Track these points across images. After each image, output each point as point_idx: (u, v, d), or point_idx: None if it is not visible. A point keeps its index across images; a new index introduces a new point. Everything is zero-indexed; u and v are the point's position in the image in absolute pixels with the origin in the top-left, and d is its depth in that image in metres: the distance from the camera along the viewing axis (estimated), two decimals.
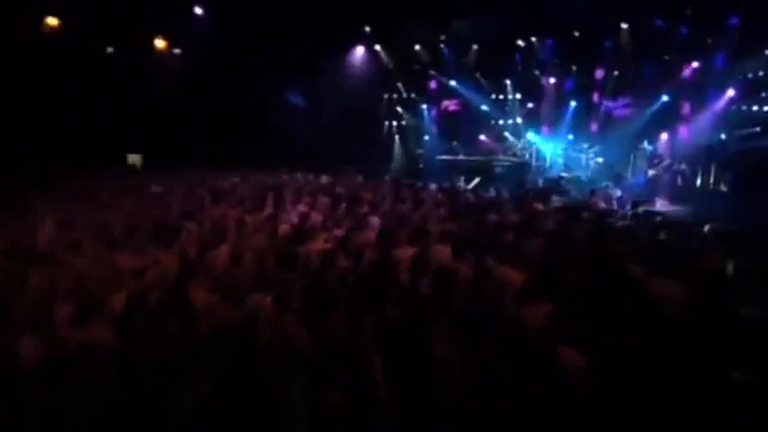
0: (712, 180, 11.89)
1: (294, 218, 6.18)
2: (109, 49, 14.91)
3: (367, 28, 15.63)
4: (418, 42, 16.05)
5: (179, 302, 3.54)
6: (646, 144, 12.35)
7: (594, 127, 14.52)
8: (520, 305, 3.32)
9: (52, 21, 12.35)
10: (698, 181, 12.08)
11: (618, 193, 9.78)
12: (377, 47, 16.38)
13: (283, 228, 5.42)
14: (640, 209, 8.16)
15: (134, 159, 16.37)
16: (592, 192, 9.00)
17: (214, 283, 3.96)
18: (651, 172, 11.25)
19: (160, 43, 15.03)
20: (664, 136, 12.74)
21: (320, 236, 5.26)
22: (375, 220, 5.98)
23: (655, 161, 11.46)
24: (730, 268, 3.63)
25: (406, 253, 4.54)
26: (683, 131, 12.62)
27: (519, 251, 4.43)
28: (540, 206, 7.25)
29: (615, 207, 8.72)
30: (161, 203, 7.54)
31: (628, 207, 8.34)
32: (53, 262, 4.51)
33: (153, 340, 3.09)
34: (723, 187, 11.63)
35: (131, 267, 4.28)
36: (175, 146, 15.25)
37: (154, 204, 7.56)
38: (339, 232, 5.30)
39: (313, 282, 3.98)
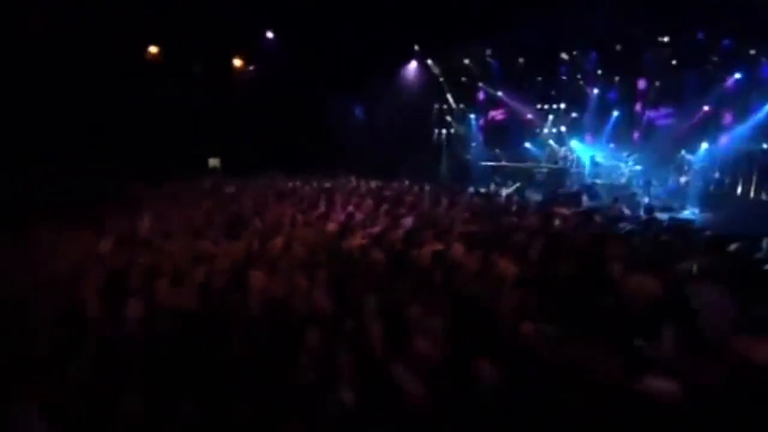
0: (753, 188, 11.58)
1: (340, 217, 6.92)
2: (196, 68, 16.44)
3: (416, 47, 16.23)
4: (466, 56, 16.48)
5: (241, 280, 4.36)
6: (684, 153, 12.18)
7: (636, 135, 14.38)
8: (512, 294, 3.86)
9: (153, 48, 14.04)
10: (738, 189, 11.79)
11: (645, 199, 9.81)
12: (429, 61, 16.96)
13: (330, 225, 6.16)
14: (662, 215, 8.23)
15: (214, 162, 17.86)
16: (615, 199, 9.11)
17: (269, 267, 4.74)
18: (683, 180, 11.11)
19: (237, 61, 16.38)
20: (704, 145, 12.48)
21: (360, 233, 5.94)
22: (409, 221, 6.58)
23: (686, 168, 11.31)
24: (695, 268, 3.95)
25: (428, 249, 5.15)
26: (724, 140, 12.31)
27: (524, 250, 4.91)
28: (564, 210, 7.56)
29: (640, 213, 8.83)
30: (234, 202, 8.51)
31: (644, 213, 8.43)
32: (151, 247, 5.50)
33: (221, 307, 3.92)
34: (764, 196, 11.32)
35: (208, 252, 5.16)
36: (249, 151, 16.50)
37: (228, 202, 8.56)
38: (375, 230, 5.96)
39: (349, 269, 4.69)
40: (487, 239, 5.39)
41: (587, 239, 5.02)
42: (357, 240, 5.71)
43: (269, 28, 15.26)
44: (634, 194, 10.46)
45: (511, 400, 2.76)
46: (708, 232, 5.57)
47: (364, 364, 3.03)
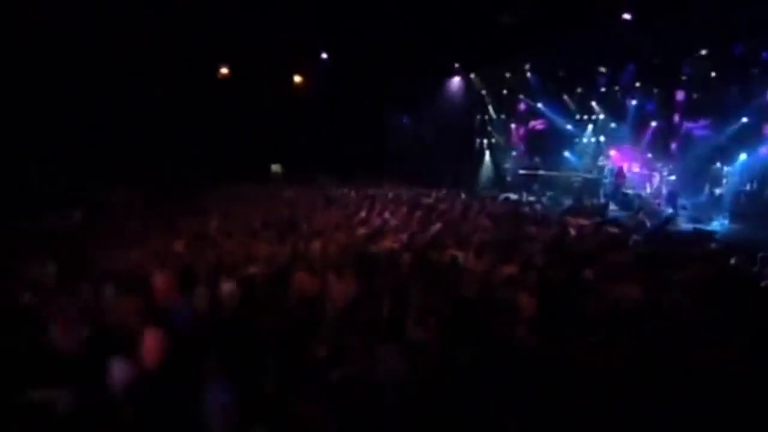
0: None
1: (377, 222, 7.44)
2: (261, 85, 17.57)
3: (456, 65, 16.51)
4: (507, 71, 16.58)
5: (285, 277, 4.97)
6: (719, 164, 11.76)
7: (673, 146, 13.95)
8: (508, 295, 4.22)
9: (223, 69, 15.26)
10: None
11: (669, 210, 9.61)
12: (471, 75, 17.18)
13: (363, 230, 6.69)
14: (687, 226, 8.11)
15: (276, 168, 18.93)
16: (638, 209, 9.00)
17: (309, 266, 5.31)
18: (717, 191, 10.71)
19: (297, 78, 17.33)
20: (742, 157, 11.98)
21: (390, 237, 6.43)
22: (436, 228, 7.01)
23: (720, 180, 10.89)
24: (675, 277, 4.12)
25: (447, 254, 5.54)
26: (763, 151, 11.76)
27: (531, 257, 5.22)
28: (582, 221, 7.69)
29: (664, 223, 8.71)
30: (288, 206, 9.24)
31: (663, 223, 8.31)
32: (216, 244, 6.26)
33: (266, 299, 4.51)
34: None
35: (262, 253, 5.82)
36: (307, 158, 17.39)
37: (284, 207, 9.30)
38: (404, 235, 6.43)
39: (374, 268, 5.19)
40: (500, 246, 5.70)
41: (581, 248, 5.24)
42: (387, 243, 6.22)
43: (324, 50, 16.07)
44: (658, 205, 10.25)
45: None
46: (713, 245, 5.59)
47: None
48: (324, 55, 15.93)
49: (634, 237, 5.77)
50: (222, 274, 4.98)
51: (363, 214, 8.31)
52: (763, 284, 4.21)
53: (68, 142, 12.07)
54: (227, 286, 4.73)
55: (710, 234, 7.83)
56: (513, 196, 13.28)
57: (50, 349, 3.32)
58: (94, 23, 11.86)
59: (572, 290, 4.13)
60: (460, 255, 5.36)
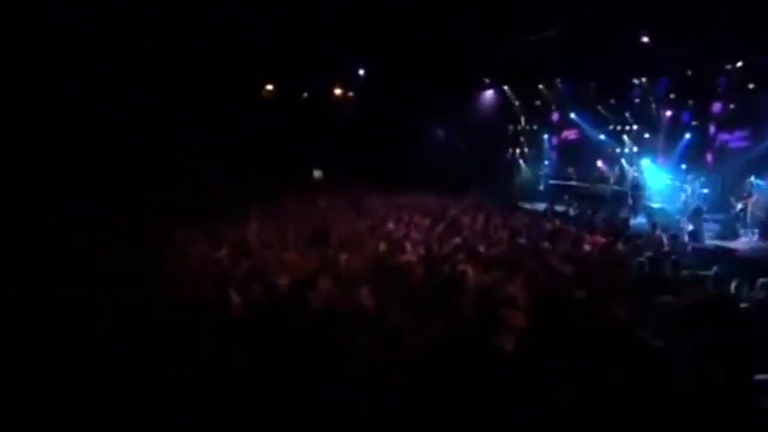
0: None
1: (399, 233, 7.85)
2: (304, 95, 18.43)
3: (487, 80, 16.66)
4: (540, 83, 16.58)
5: (311, 286, 5.49)
6: (753, 178, 11.37)
7: (709, 158, 13.56)
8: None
9: (269, 86, 16.22)
10: None
11: (690, 227, 9.42)
12: (505, 87, 17.28)
13: (384, 243, 7.10)
14: (710, 242, 7.98)
15: (318, 174, 19.73)
16: (653, 225, 8.89)
17: (335, 276, 5.80)
18: (739, 206, 10.38)
19: (338, 90, 18.07)
20: None
21: (410, 251, 6.82)
22: (455, 242, 7.33)
23: (744, 195, 10.54)
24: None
25: (457, 269, 5.88)
26: None
27: (535, 275, 5.48)
28: (598, 237, 7.76)
29: (685, 240, 8.62)
30: (322, 216, 9.76)
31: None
32: (254, 254, 6.88)
33: (295, 306, 5.04)
34: None
35: (293, 262, 6.38)
36: (346, 165, 18.02)
37: (317, 216, 9.85)
38: (421, 250, 6.81)
39: (392, 281, 5.62)
40: (508, 262, 5.98)
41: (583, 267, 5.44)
42: (407, 256, 6.63)
43: (362, 63, 16.71)
44: (678, 221, 10.05)
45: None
46: (715, 268, 5.63)
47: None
48: (361, 72, 16.53)
49: (640, 258, 5.88)
50: (255, 282, 5.59)
51: (390, 225, 8.73)
52: (743, 307, 4.31)
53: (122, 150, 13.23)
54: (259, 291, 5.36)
55: (731, 252, 7.72)
56: (542, 207, 13.32)
57: None
58: (146, 46, 12.96)
59: (564, 308, 4.40)
60: (469, 269, 5.71)
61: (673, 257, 6.23)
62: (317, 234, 8.02)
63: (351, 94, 18.52)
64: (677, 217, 10.45)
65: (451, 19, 13.67)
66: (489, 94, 17.55)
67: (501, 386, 3.52)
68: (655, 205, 11.71)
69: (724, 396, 3.34)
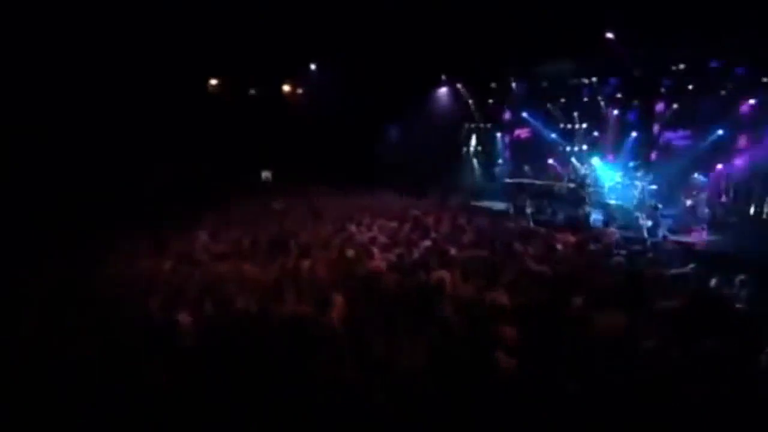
0: (765, 210, 11.23)
1: (365, 238, 7.35)
2: (251, 92, 17.44)
3: (443, 77, 16.54)
4: (492, 81, 16.63)
5: (274, 299, 4.88)
6: (697, 174, 11.90)
7: (653, 156, 14.08)
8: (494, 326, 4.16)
9: (213, 81, 15.14)
10: (751, 211, 11.44)
11: (649, 223, 9.67)
12: (458, 85, 17.20)
13: (352, 249, 6.59)
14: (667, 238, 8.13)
15: (267, 174, 18.80)
16: (606, 223, 9.01)
17: (298, 287, 5.22)
18: (689, 203, 10.81)
19: (287, 86, 17.25)
20: (719, 167, 12.15)
21: (378, 257, 6.34)
22: (424, 246, 6.93)
23: (694, 192, 11.01)
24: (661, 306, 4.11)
25: (435, 276, 5.46)
26: (738, 163, 11.93)
27: (517, 279, 5.17)
28: (568, 237, 7.66)
29: (644, 236, 8.76)
30: (277, 222, 9.07)
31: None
32: (205, 266, 6.14)
33: (256, 327, 4.41)
34: None
35: (250, 274, 5.72)
36: (296, 165, 17.28)
37: (272, 221, 9.14)
38: (392, 256, 6.34)
39: (363, 292, 5.11)
40: (484, 267, 5.64)
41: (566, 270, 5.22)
42: (375, 263, 6.13)
43: (313, 59, 16.02)
44: (637, 217, 10.30)
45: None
46: (692, 265, 5.62)
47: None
48: (312, 66, 15.83)
49: (616, 258, 5.77)
50: (207, 299, 4.92)
51: (351, 229, 8.21)
52: (739, 308, 4.23)
53: (55, 151, 11.86)
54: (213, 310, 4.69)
55: (690, 247, 7.88)
56: (500, 206, 13.27)
57: None
58: (78, 31, 11.67)
59: (557, 319, 4.09)
60: (446, 276, 5.31)
61: (649, 255, 6.18)
62: (275, 241, 7.35)
63: (301, 91, 17.77)
64: (636, 213, 10.65)
65: (406, 16, 13.33)
66: (444, 92, 17.40)
67: (506, 411, 3.14)
68: (612, 202, 11.93)
69: (734, 399, 3.16)
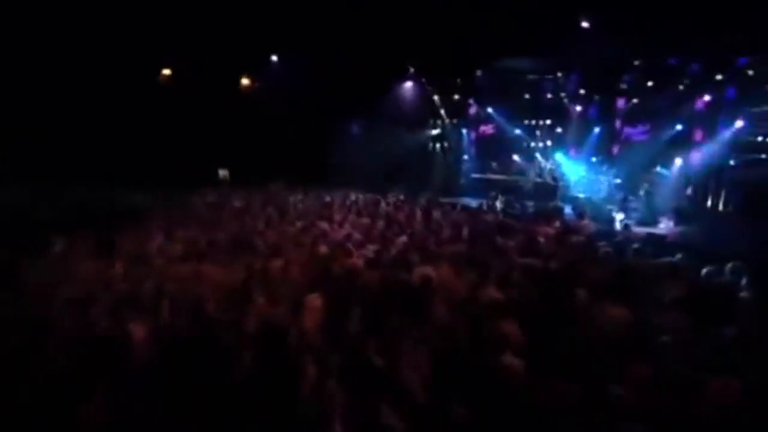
0: (721, 202, 11.60)
1: (338, 235, 6.85)
2: (206, 88, 16.39)
3: (411, 69, 16.24)
4: (457, 76, 16.46)
5: (241, 306, 4.31)
6: (659, 168, 12.16)
7: (615, 150, 14.35)
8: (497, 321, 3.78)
9: (165, 71, 14.07)
10: (708, 203, 11.80)
11: (621, 215, 9.74)
12: (423, 80, 16.92)
13: (325, 247, 6.08)
14: (638, 230, 8.14)
15: (224, 173, 17.83)
16: (580, 215, 9.02)
17: (268, 289, 4.65)
18: (641, 193, 10.93)
19: (245, 80, 16.36)
20: (678, 161, 12.48)
21: (355, 254, 5.86)
22: (401, 242, 6.52)
23: (660, 183, 11.18)
24: (667, 296, 3.90)
25: (418, 273, 5.03)
26: (695, 157, 12.31)
27: (506, 273, 4.84)
28: (547, 229, 7.49)
29: (615, 228, 8.76)
30: (239, 219, 8.38)
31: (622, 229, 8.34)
32: (158, 270, 5.43)
33: (220, 333, 3.83)
34: (731, 209, 11.33)
35: (211, 276, 5.08)
36: (254, 163, 16.43)
37: (233, 219, 8.44)
38: (369, 252, 5.88)
39: (342, 293, 4.61)
40: (472, 261, 5.29)
41: (560, 264, 4.95)
42: (352, 262, 5.65)
43: (274, 50, 15.26)
44: (610, 210, 10.37)
45: None
46: (679, 255, 5.52)
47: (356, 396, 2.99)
48: (273, 58, 15.07)
49: (604, 249, 5.58)
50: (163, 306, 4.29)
51: (321, 226, 7.69)
52: (743, 295, 4.09)
53: None
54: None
55: (663, 238, 7.91)
56: (469, 202, 13.08)
57: None
58: (20, 18, 10.49)
59: (560, 313, 3.77)
60: (431, 273, 4.91)
61: (635, 245, 6.04)
62: (238, 240, 6.70)
63: (261, 84, 16.92)
64: (608, 206, 10.71)
65: (371, 8, 12.88)
66: (409, 87, 17.04)
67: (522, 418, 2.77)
68: (581, 195, 11.99)
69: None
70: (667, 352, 3.20)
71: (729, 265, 4.73)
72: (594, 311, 3.73)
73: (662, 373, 2.95)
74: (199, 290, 4.57)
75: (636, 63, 12.80)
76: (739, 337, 3.10)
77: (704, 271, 4.83)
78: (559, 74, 14.67)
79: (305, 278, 4.93)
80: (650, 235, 8.37)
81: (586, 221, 8.50)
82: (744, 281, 4.40)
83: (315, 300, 4.28)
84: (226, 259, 5.75)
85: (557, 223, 8.16)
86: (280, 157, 16.53)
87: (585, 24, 10.57)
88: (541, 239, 6.59)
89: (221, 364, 3.32)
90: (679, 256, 5.49)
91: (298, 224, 7.69)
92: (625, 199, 10.26)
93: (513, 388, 2.88)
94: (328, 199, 11.38)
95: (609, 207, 10.52)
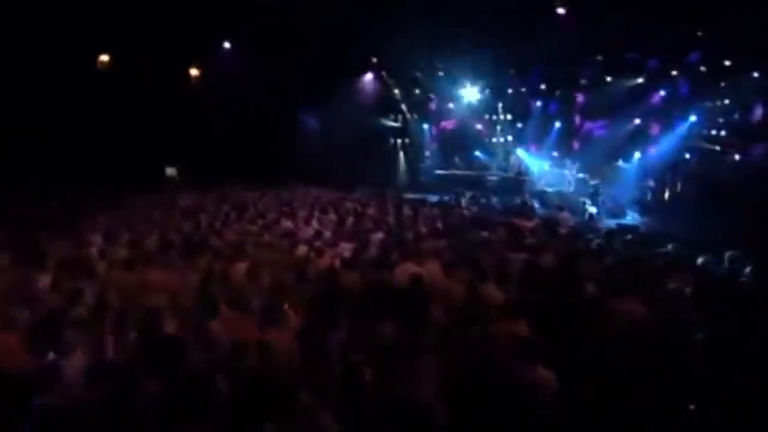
0: (678, 194, 11.92)
1: (306, 234, 6.24)
2: (151, 78, 15.10)
3: (374, 59, 15.75)
4: (418, 70, 16.12)
5: (203, 315, 3.62)
6: (620, 162, 12.34)
7: (576, 145, 14.50)
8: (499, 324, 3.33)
9: (104, 57, 12.72)
10: (666, 195, 12.08)
11: (593, 209, 9.74)
12: (383, 74, 16.46)
13: (296, 246, 5.48)
14: (609, 222, 8.10)
15: (171, 171, 16.62)
16: (560, 207, 8.93)
17: (230, 296, 3.97)
18: (592, 183, 11.02)
19: (194, 71, 15.19)
20: (637, 155, 12.74)
21: (328, 254, 5.29)
22: (377, 238, 6.02)
23: (621, 176, 11.34)
24: (687, 290, 3.64)
25: (404, 272, 4.52)
26: (653, 151, 12.60)
27: (503, 269, 4.40)
28: (527, 223, 7.22)
29: (591, 222, 8.69)
30: (191, 218, 7.55)
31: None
32: (100, 276, 4.62)
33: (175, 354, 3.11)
34: (686, 200, 11.63)
35: (162, 282, 4.34)
36: (206, 160, 15.36)
37: (184, 219, 7.59)
38: (344, 251, 5.33)
39: (318, 297, 4.02)
40: (460, 257, 4.83)
41: (559, 258, 4.62)
42: (326, 262, 5.07)
43: (225, 38, 14.24)
44: (582, 203, 10.36)
45: None
46: (670, 246, 5.36)
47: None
48: (226, 45, 14.03)
49: (596, 241, 5.33)
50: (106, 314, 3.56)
51: (286, 224, 7.04)
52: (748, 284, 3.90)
53: None
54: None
55: (635, 228, 7.85)
56: (433, 198, 12.72)
57: None
58: None
59: (572, 311, 3.37)
60: (419, 270, 4.42)
61: (627, 236, 5.84)
62: (191, 241, 5.92)
63: (211, 74, 15.79)
64: (581, 199, 10.68)
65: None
66: (370, 82, 16.49)
67: None
68: (549, 190, 11.94)
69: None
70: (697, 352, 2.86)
71: (727, 254, 4.57)
72: (608, 307, 3.37)
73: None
74: (150, 301, 3.85)
75: (598, 58, 12.86)
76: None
77: (700, 260, 4.65)
78: (520, 69, 14.58)
79: (274, 283, 4.30)
80: (621, 226, 8.32)
81: (565, 214, 8.38)
82: (748, 269, 4.21)
83: (288, 309, 3.70)
84: (180, 263, 5.01)
85: (534, 218, 7.93)
86: (233, 152, 15.54)
87: (561, 10, 10.38)
88: (526, 232, 6.28)
89: (189, 396, 2.62)
90: (670, 246, 5.32)
91: (260, 222, 6.99)
92: (596, 192, 10.27)
93: (545, 406, 2.43)
94: (287, 195, 10.65)
95: (582, 200, 10.50)
